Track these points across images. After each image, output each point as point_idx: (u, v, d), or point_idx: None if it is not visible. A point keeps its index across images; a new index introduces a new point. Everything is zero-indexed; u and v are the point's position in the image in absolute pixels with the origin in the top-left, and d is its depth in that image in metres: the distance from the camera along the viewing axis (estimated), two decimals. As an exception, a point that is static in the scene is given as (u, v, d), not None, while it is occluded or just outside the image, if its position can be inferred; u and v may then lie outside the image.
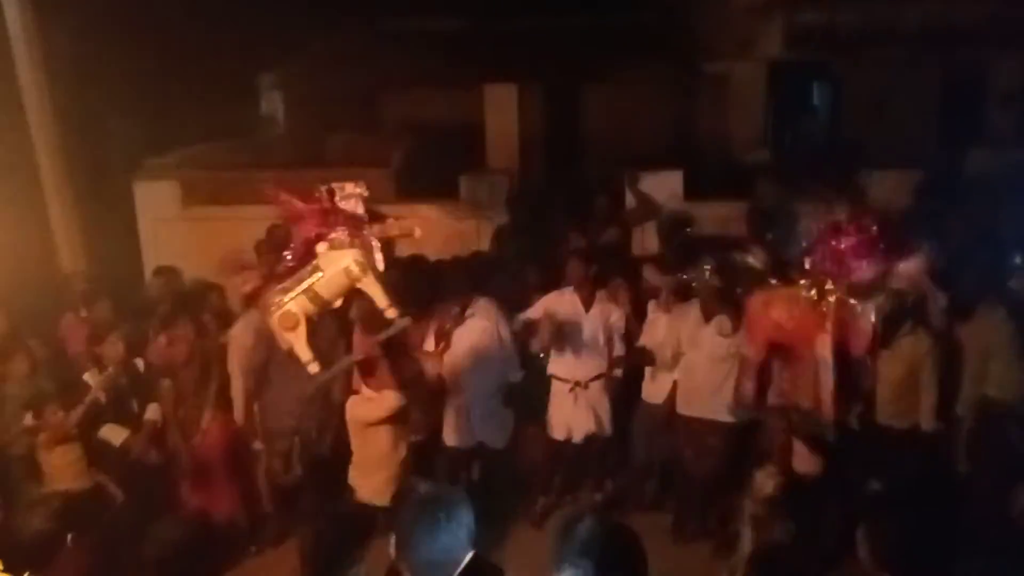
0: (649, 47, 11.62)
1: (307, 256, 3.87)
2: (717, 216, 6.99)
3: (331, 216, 3.88)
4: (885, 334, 4.77)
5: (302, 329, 3.82)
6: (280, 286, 3.86)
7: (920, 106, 10.33)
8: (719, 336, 5.10)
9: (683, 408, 5.31)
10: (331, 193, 3.94)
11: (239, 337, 5.25)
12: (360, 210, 3.94)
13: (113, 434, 5.02)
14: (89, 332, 5.50)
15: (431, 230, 7.30)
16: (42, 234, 6.90)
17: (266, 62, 10.76)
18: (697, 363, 5.22)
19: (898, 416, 4.92)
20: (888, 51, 10.32)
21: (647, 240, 7.02)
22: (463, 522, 2.42)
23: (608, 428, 5.59)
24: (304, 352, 3.85)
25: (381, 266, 3.96)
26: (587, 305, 5.47)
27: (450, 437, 5.54)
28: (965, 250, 5.57)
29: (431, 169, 8.39)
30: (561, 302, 5.48)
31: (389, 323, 4.06)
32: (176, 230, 7.49)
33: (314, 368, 3.88)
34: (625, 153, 9.07)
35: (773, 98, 11.23)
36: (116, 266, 7.24)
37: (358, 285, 3.85)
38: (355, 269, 3.76)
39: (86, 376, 4.98)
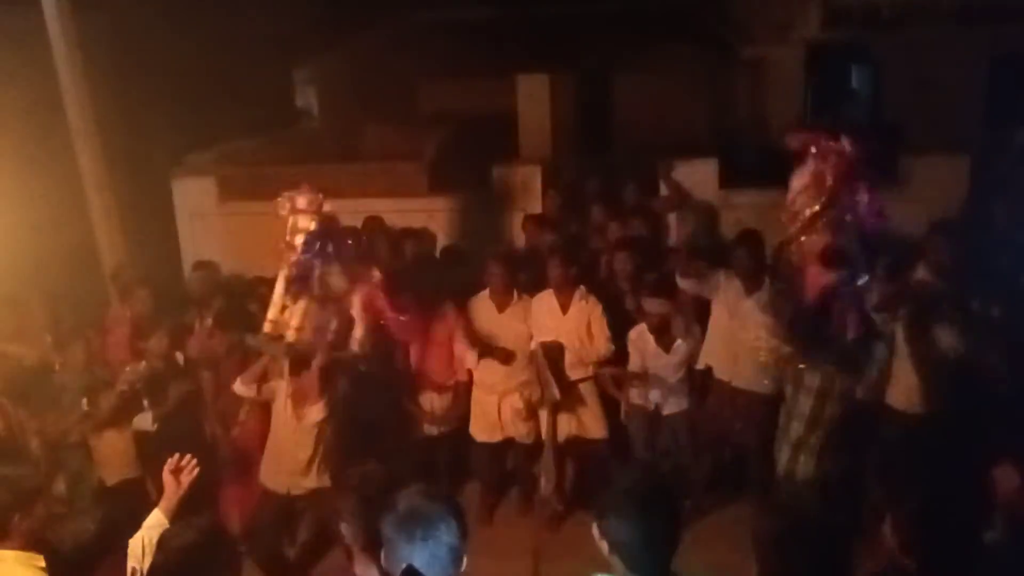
0: (683, 32, 11.47)
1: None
2: (754, 204, 6.89)
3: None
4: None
5: None
6: None
7: (964, 87, 10.07)
8: (759, 311, 5.04)
9: (727, 376, 5.28)
10: (292, 202, 4.25)
11: None
12: (312, 226, 4.20)
13: (144, 421, 5.12)
14: (132, 326, 5.59)
15: (464, 221, 7.34)
16: (85, 231, 7.02)
17: (301, 56, 10.79)
18: (735, 334, 5.17)
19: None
20: (930, 30, 10.07)
21: (681, 229, 6.94)
22: (442, 540, 2.29)
23: (600, 431, 5.48)
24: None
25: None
26: (564, 308, 5.37)
27: (479, 432, 5.57)
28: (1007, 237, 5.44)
29: (464, 160, 8.39)
30: (540, 307, 5.42)
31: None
32: (213, 225, 7.59)
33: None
34: (660, 141, 8.98)
35: (812, 81, 11.04)
36: (156, 261, 7.35)
37: None
38: None
39: (128, 369, 5.06)
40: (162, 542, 2.69)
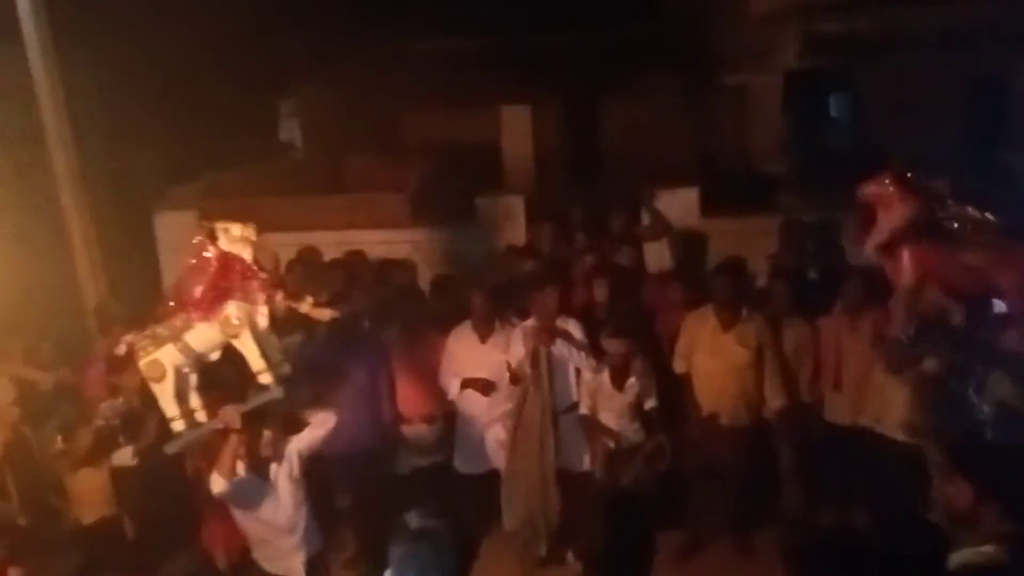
0: (665, 60, 11.60)
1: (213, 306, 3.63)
2: (735, 231, 6.93)
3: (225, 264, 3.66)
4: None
5: (169, 382, 3.60)
6: (150, 331, 3.64)
7: (941, 112, 10.20)
8: (738, 346, 5.13)
9: (716, 414, 5.26)
10: (211, 235, 3.68)
11: None
12: (248, 256, 3.69)
13: (127, 458, 5.05)
14: (107, 361, 5.54)
15: (448, 252, 7.35)
16: (66, 267, 6.98)
17: (284, 88, 10.86)
18: (716, 371, 5.21)
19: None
20: (907, 57, 10.22)
21: (662, 258, 6.95)
22: (444, 560, 2.37)
23: (582, 463, 5.36)
24: (169, 406, 3.63)
25: (264, 323, 3.69)
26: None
27: (463, 464, 5.54)
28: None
29: (448, 191, 8.41)
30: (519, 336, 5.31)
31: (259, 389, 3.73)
32: (197, 259, 7.55)
33: (178, 427, 3.64)
34: (643, 168, 9.03)
35: (792, 108, 11.15)
36: (138, 296, 7.31)
37: (233, 342, 3.63)
38: (232, 323, 3.56)
39: (104, 404, 5.00)
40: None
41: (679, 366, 5.43)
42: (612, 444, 5.20)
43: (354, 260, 6.60)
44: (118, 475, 5.04)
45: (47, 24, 6.49)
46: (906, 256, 3.80)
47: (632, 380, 5.17)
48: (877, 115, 10.67)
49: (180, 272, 3.86)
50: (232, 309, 3.58)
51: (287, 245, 7.15)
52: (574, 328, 5.27)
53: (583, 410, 5.28)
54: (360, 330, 5.50)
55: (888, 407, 4.98)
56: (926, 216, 3.75)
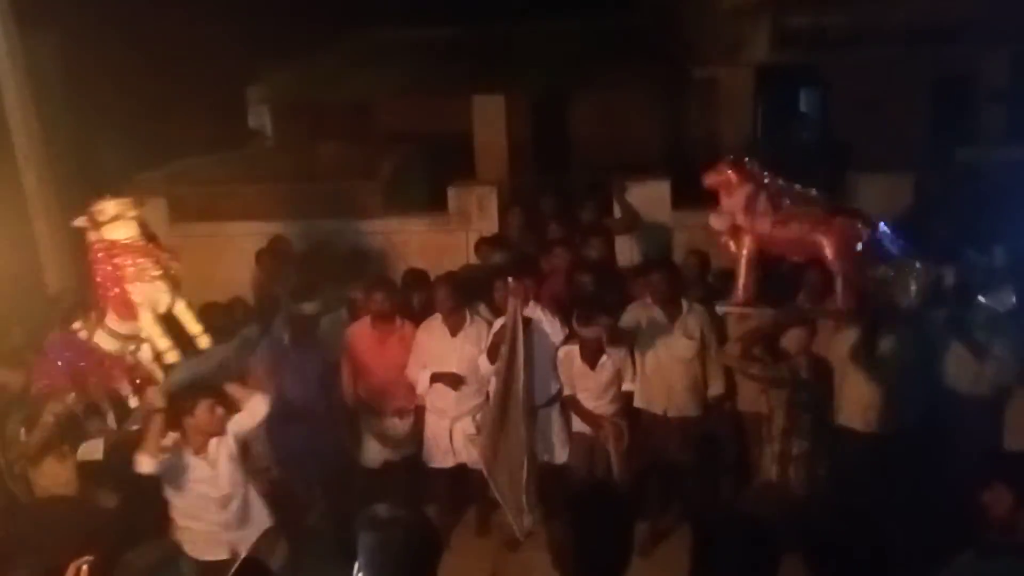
0: (637, 52, 11.64)
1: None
2: (707, 224, 6.95)
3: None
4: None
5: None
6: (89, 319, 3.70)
7: (909, 107, 10.34)
8: (685, 338, 5.21)
9: (660, 408, 5.33)
10: (92, 219, 3.49)
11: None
12: (131, 232, 3.50)
13: (93, 450, 4.96)
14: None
15: (420, 243, 7.33)
16: (29, 252, 6.86)
17: (254, 74, 10.74)
18: (665, 363, 5.28)
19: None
20: (876, 52, 10.33)
21: (633, 251, 6.99)
22: (413, 549, 2.37)
23: (561, 455, 5.44)
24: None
25: (166, 298, 3.58)
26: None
27: (431, 458, 5.55)
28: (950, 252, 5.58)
29: (420, 180, 8.38)
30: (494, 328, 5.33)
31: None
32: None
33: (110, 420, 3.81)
34: (614, 159, 9.07)
35: (761, 102, 11.25)
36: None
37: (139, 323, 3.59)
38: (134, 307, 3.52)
39: (52, 402, 4.89)
40: (125, 564, 2.64)
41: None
42: (590, 431, 5.25)
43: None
44: (85, 469, 4.94)
45: (11, 7, 6.36)
46: (746, 229, 4.38)
47: (604, 358, 5.19)
48: (846, 109, 10.79)
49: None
50: (133, 293, 3.50)
51: (256, 235, 7.11)
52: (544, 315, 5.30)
53: (567, 391, 5.31)
54: (317, 323, 5.45)
55: (848, 398, 5.09)
56: (760, 195, 4.33)
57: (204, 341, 3.72)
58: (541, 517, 5.12)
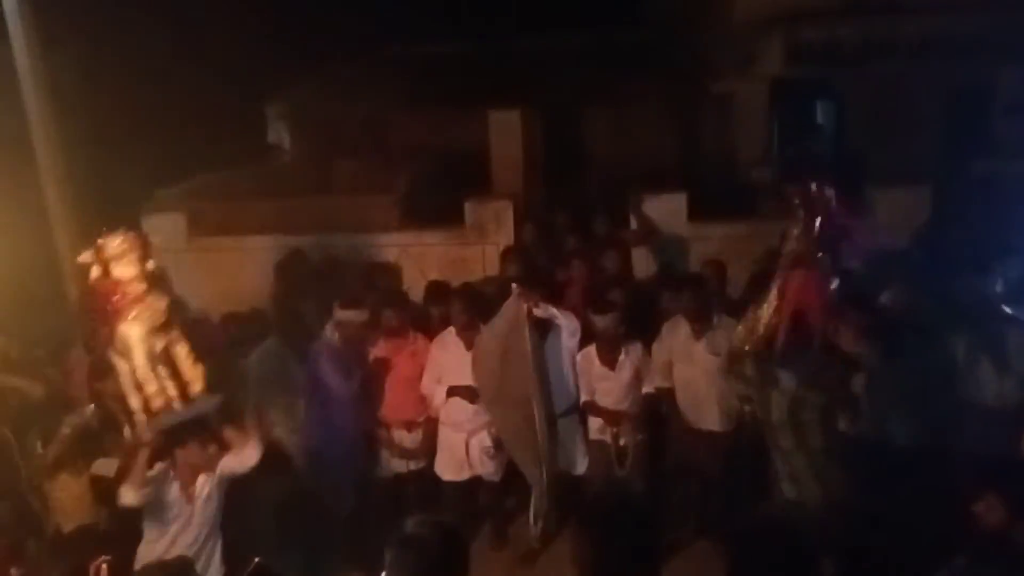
0: (652, 67, 11.67)
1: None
2: (722, 236, 6.99)
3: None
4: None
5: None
6: None
7: (924, 120, 10.31)
8: (711, 354, 5.19)
9: (691, 419, 5.34)
10: (99, 252, 3.55)
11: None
12: (131, 271, 3.55)
13: (107, 468, 4.98)
14: (89, 366, 5.50)
15: (437, 256, 7.36)
16: (50, 267, 6.94)
17: (272, 90, 10.84)
18: (693, 377, 5.27)
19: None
20: (890, 65, 10.32)
21: (649, 262, 7.01)
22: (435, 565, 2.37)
23: (581, 466, 5.44)
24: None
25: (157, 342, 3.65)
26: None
27: (445, 471, 5.55)
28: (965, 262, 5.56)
29: (436, 195, 8.42)
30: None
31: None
32: (183, 261, 7.52)
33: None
34: (630, 174, 9.08)
35: (777, 116, 11.24)
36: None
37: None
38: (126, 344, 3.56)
39: (70, 416, 4.93)
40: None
41: (658, 380, 5.42)
42: (610, 435, 5.24)
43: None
44: (98, 484, 4.96)
45: (33, 24, 6.46)
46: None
47: (622, 357, 5.17)
48: (861, 123, 10.77)
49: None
50: (125, 330, 3.53)
51: (274, 248, 7.17)
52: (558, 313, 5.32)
53: (584, 397, 5.31)
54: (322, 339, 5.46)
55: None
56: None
57: (197, 387, 3.74)
58: (559, 528, 5.12)
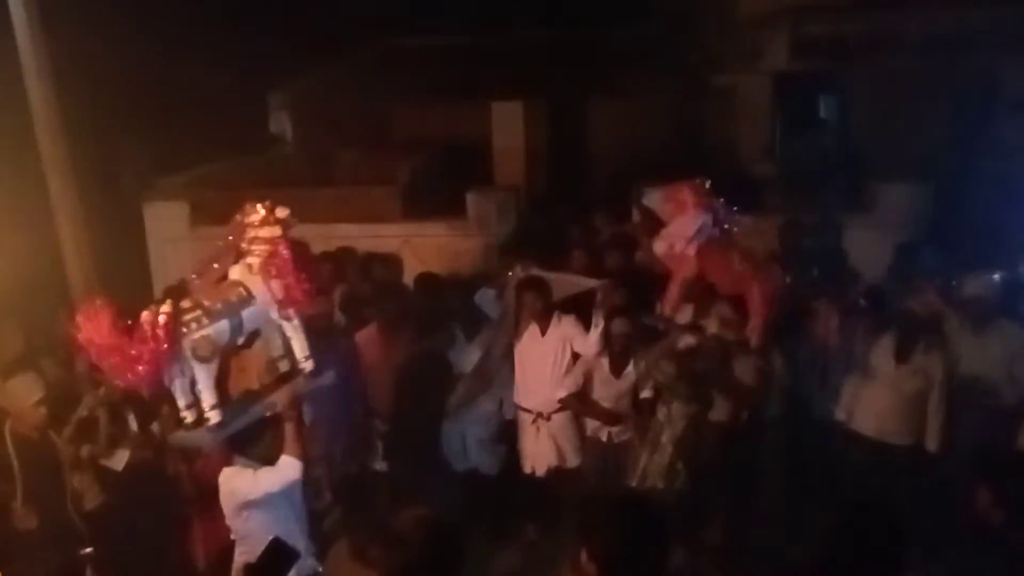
0: (656, 60, 11.63)
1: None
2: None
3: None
4: (901, 350, 4.86)
5: (215, 364, 3.13)
6: (195, 302, 3.15)
7: (929, 116, 10.28)
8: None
9: None
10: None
11: None
12: (277, 233, 3.44)
13: (115, 459, 4.97)
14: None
15: (439, 247, 7.36)
16: (52, 255, 6.94)
17: (275, 81, 10.83)
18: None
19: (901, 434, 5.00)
20: (896, 60, 10.29)
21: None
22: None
23: (573, 460, 5.42)
24: (209, 395, 3.13)
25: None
26: (543, 331, 5.32)
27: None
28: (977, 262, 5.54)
29: (439, 186, 8.42)
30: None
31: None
32: (185, 250, 7.54)
33: (215, 417, 3.15)
34: (633, 167, 9.05)
35: (780, 110, 11.21)
36: (127, 287, 7.28)
37: (283, 323, 3.42)
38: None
39: (88, 396, 4.93)
40: None
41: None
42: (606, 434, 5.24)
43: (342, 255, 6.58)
44: (105, 475, 4.96)
45: (36, 12, 6.44)
46: (692, 253, 4.57)
47: (630, 367, 5.17)
48: (866, 117, 10.74)
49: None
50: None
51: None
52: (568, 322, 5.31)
53: (573, 389, 5.28)
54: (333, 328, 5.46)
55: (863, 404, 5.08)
56: (711, 221, 4.51)
57: (309, 364, 3.56)
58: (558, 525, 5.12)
